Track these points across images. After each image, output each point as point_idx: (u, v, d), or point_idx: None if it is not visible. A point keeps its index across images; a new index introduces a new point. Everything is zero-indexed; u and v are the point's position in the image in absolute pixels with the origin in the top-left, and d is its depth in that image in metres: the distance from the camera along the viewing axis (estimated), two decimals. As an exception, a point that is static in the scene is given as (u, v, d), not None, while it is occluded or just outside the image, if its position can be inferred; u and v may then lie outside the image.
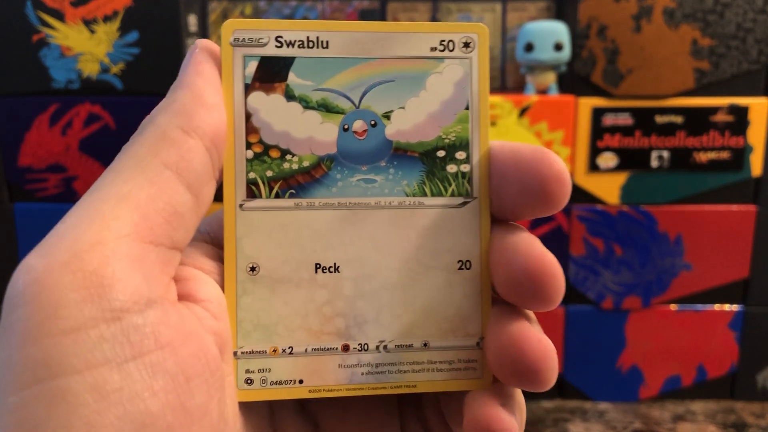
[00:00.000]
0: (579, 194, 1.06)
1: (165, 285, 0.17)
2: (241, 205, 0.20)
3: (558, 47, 1.03)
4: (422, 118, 0.20)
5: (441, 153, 0.20)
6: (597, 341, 1.12)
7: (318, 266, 0.20)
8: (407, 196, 0.20)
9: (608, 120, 1.04)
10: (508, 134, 1.04)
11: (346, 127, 0.20)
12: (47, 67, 1.03)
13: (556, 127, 1.04)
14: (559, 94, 1.06)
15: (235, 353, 0.19)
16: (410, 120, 0.20)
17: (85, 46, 1.03)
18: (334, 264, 0.20)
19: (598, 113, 1.04)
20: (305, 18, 1.15)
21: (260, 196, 0.20)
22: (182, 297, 0.18)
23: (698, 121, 1.05)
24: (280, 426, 0.21)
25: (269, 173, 0.20)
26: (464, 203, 0.20)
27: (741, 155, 1.05)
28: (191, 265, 0.19)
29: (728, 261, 1.09)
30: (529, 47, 1.05)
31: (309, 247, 0.20)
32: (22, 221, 1.08)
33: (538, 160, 0.19)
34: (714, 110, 1.04)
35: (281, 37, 0.20)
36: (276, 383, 0.20)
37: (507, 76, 1.17)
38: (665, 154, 1.06)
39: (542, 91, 1.07)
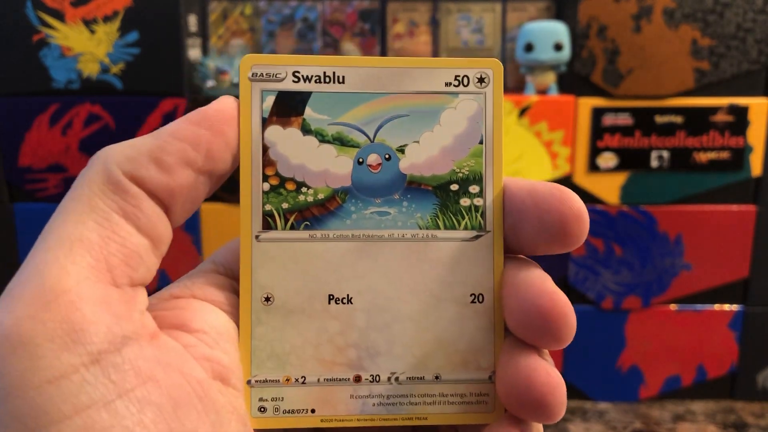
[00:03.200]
0: (579, 194, 1.06)
1: (137, 321, 0.17)
2: (257, 236, 0.20)
3: (558, 47, 1.03)
4: (436, 152, 0.20)
5: (454, 186, 0.20)
6: (597, 341, 1.12)
7: (331, 297, 0.20)
8: (420, 228, 0.20)
9: (608, 120, 1.04)
10: (508, 134, 1.04)
11: (360, 160, 0.20)
12: (47, 67, 1.03)
13: (556, 127, 1.04)
14: (559, 94, 1.07)
15: (248, 381, 0.20)
16: (424, 154, 0.20)
17: (85, 46, 1.03)
18: (347, 295, 0.20)
19: (597, 113, 1.04)
20: (305, 18, 1.15)
21: (276, 228, 0.20)
22: (175, 326, 0.18)
23: (698, 121, 1.05)
24: None
25: (285, 205, 0.20)
26: (477, 237, 0.20)
27: (741, 155, 1.05)
28: (197, 296, 0.19)
29: (728, 261, 1.09)
30: (529, 47, 1.05)
31: (323, 278, 0.20)
32: (22, 221, 1.08)
33: (558, 198, 0.19)
34: (714, 110, 1.04)
35: (298, 72, 0.20)
36: (288, 412, 0.20)
37: (507, 77, 1.18)
38: (665, 154, 1.06)
39: (542, 91, 1.07)
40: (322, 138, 0.20)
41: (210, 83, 1.05)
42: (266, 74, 0.20)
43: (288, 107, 0.20)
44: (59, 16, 1.02)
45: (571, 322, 0.18)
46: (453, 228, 0.20)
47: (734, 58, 1.02)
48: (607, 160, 1.06)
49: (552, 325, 0.18)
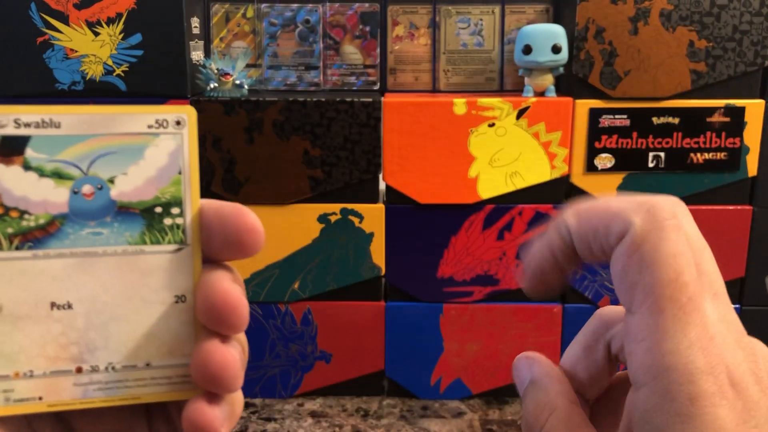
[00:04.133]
0: (576, 195, 1.08)
1: None
2: None
3: (556, 49, 1.04)
4: (141, 182, 0.24)
5: (158, 209, 0.25)
6: (595, 340, 1.13)
7: (53, 304, 0.24)
8: (130, 244, 0.24)
9: (605, 121, 1.05)
10: (507, 135, 1.05)
11: (76, 190, 0.24)
12: (51, 68, 1.04)
13: (554, 129, 1.05)
14: (557, 95, 1.08)
15: None
16: (131, 183, 0.24)
17: (89, 48, 1.04)
18: (68, 302, 0.24)
19: (595, 114, 1.05)
20: (306, 20, 1.17)
21: (2, 249, 0.23)
22: None
23: (695, 122, 1.06)
24: None
25: (9, 230, 0.23)
26: (179, 249, 0.25)
27: (737, 156, 1.07)
28: None
29: (724, 260, 1.10)
30: (528, 49, 1.06)
31: (46, 289, 0.24)
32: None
33: (235, 215, 0.24)
34: (710, 111, 1.05)
35: (19, 119, 0.23)
36: (18, 400, 0.24)
37: (505, 78, 1.19)
38: (662, 154, 1.07)
39: (540, 93, 1.08)
40: (41, 173, 0.24)
41: (212, 85, 1.07)
42: None
43: (10, 148, 0.23)
44: (63, 18, 1.03)
45: (240, 312, 0.23)
46: (158, 243, 0.24)
47: (730, 60, 1.04)
48: (605, 160, 1.07)
49: (224, 315, 0.23)
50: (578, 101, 1.05)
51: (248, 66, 1.16)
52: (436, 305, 1.13)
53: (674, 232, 0.20)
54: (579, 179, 1.08)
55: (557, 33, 1.04)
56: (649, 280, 0.19)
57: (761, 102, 1.05)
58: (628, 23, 1.03)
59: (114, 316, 0.24)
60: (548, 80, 1.07)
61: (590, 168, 1.07)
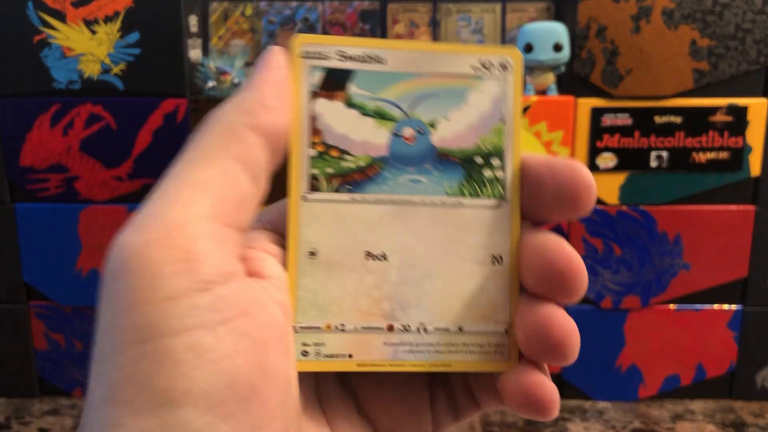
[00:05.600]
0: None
1: (238, 262, 0.19)
2: (304, 197, 0.22)
3: (557, 48, 1.03)
4: (463, 128, 0.23)
5: (479, 160, 0.23)
6: (596, 340, 1.12)
7: (368, 254, 0.22)
8: (448, 195, 0.23)
9: (607, 120, 1.05)
10: (508, 134, 1.04)
11: (397, 133, 0.22)
12: (48, 67, 1.04)
13: (556, 128, 1.05)
14: (559, 94, 1.07)
15: (294, 327, 0.22)
16: (452, 129, 0.23)
17: (87, 46, 1.03)
18: (383, 253, 0.22)
19: (597, 113, 1.05)
20: (306, 18, 1.16)
21: (321, 190, 0.22)
22: (251, 274, 0.20)
23: (697, 121, 1.05)
24: (324, 396, 0.23)
25: (329, 170, 0.22)
26: (498, 205, 0.23)
27: (740, 155, 1.06)
28: (258, 247, 0.21)
29: (727, 261, 1.09)
30: (529, 48, 1.05)
31: (361, 236, 0.22)
32: (23, 221, 1.08)
33: (572, 170, 0.21)
34: (713, 110, 1.05)
35: (343, 51, 0.22)
36: (329, 356, 0.22)
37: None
38: (664, 154, 1.06)
39: (541, 92, 1.07)
40: (364, 111, 0.22)
41: (211, 83, 1.06)
42: (315, 52, 0.22)
43: (334, 82, 0.22)
44: (60, 16, 1.02)
45: (583, 278, 0.21)
46: (477, 196, 0.23)
47: (733, 59, 1.03)
48: (607, 160, 1.06)
49: (568, 280, 0.21)
50: (580, 100, 1.05)
51: (247, 65, 1.15)
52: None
53: None
54: (580, 179, 1.07)
55: (558, 31, 1.04)
56: None
57: (764, 101, 1.04)
58: (629, 22, 1.02)
59: (428, 272, 0.22)
60: (549, 79, 1.07)
61: (592, 168, 1.06)
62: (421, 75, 0.23)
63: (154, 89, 1.03)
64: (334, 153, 0.22)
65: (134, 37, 1.02)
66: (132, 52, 1.03)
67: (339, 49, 0.22)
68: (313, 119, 0.22)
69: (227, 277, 0.18)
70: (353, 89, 0.22)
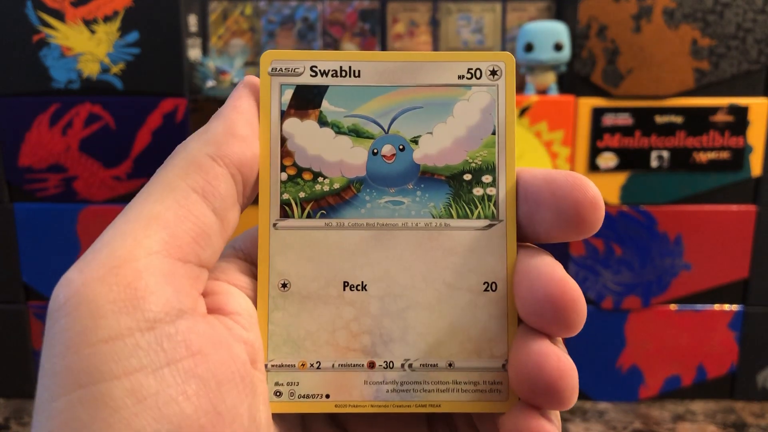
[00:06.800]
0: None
1: (194, 299, 0.18)
2: (274, 224, 0.20)
3: (558, 47, 1.03)
4: (449, 143, 0.21)
5: (468, 176, 0.21)
6: (597, 341, 1.12)
7: (346, 284, 0.20)
8: (434, 217, 0.21)
9: (608, 120, 1.04)
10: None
11: (375, 151, 0.21)
12: (47, 67, 1.03)
13: (556, 127, 1.04)
14: (559, 94, 1.07)
15: (266, 366, 0.20)
16: (437, 145, 0.21)
17: (86, 46, 1.03)
18: (362, 282, 0.20)
19: (597, 113, 1.04)
20: (305, 18, 1.15)
21: (293, 216, 0.20)
22: (212, 310, 0.19)
23: (698, 121, 1.05)
24: None
25: (302, 194, 0.20)
26: (490, 225, 0.21)
27: (741, 155, 1.05)
28: (223, 280, 0.20)
29: (728, 261, 1.09)
30: (529, 47, 1.05)
31: (338, 265, 0.20)
32: (22, 221, 1.08)
33: (572, 186, 0.19)
34: (714, 110, 1.04)
35: (315, 66, 0.21)
36: (303, 396, 0.20)
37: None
38: (665, 154, 1.06)
39: (542, 91, 1.07)
40: (338, 130, 0.21)
41: (210, 83, 1.05)
42: (285, 69, 0.21)
43: (305, 100, 0.21)
44: (59, 16, 1.02)
45: (580, 308, 0.19)
46: (466, 217, 0.21)
47: (734, 58, 1.03)
48: (607, 160, 1.06)
49: (561, 312, 0.18)
50: (580, 100, 1.04)
51: (246, 64, 1.14)
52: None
53: None
54: (581, 179, 1.07)
55: (559, 31, 1.03)
56: None
57: (765, 101, 1.04)
58: (630, 21, 1.02)
59: (413, 302, 0.20)
60: (550, 78, 1.06)
61: (593, 168, 1.06)
62: (402, 87, 0.21)
63: (153, 89, 1.03)
64: (307, 176, 0.20)
65: (133, 36, 1.02)
66: (131, 52, 1.02)
67: (311, 64, 0.21)
68: (284, 140, 0.20)
69: (177, 315, 0.17)
70: (327, 106, 0.21)
